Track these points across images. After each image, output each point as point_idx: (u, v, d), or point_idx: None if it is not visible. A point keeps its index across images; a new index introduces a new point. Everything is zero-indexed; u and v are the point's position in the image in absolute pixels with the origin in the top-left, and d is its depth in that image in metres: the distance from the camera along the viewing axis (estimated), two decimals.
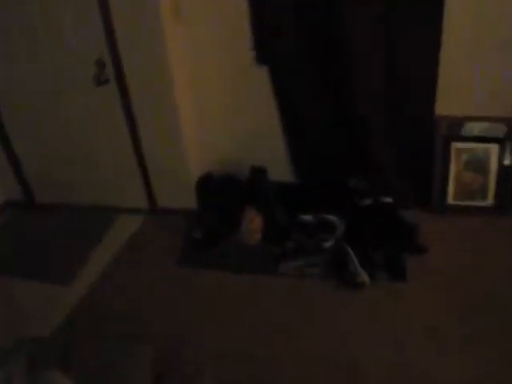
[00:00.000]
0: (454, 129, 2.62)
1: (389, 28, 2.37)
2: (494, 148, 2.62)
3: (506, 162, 2.62)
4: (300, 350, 2.02)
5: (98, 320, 2.26)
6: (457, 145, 2.66)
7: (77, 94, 2.71)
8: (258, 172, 2.77)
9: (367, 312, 2.17)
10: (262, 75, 2.64)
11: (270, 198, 2.75)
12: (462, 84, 2.52)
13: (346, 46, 2.44)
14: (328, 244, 2.54)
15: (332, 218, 2.66)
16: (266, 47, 2.57)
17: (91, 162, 2.97)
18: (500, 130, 2.59)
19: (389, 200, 2.65)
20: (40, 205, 3.27)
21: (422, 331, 2.04)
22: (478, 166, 2.67)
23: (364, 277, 2.28)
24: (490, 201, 2.70)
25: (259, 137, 2.84)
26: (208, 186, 2.84)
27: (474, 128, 2.61)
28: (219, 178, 2.89)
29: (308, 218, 2.69)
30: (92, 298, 2.43)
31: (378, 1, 2.31)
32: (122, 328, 2.18)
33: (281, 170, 2.92)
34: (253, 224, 2.66)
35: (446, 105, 2.56)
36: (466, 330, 2.01)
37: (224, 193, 2.78)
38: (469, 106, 2.57)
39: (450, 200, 2.74)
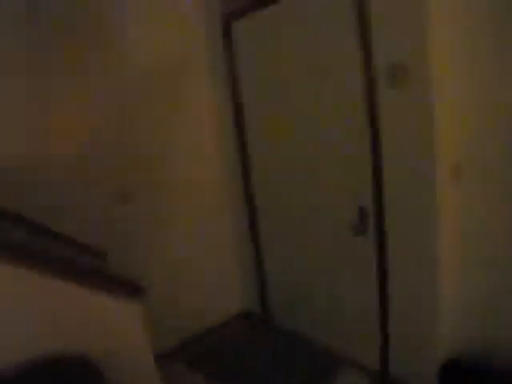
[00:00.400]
0: None
1: None
2: None
3: None
4: None
5: None
6: None
7: (331, 237, 2.67)
8: None
9: None
10: None
11: None
12: None
13: None
14: None
15: None
16: None
17: (333, 304, 2.83)
18: None
19: None
20: (271, 323, 3.26)
21: None
22: None
23: None
24: None
25: None
26: (453, 375, 2.30)
27: None
28: (468, 367, 2.29)
29: None
30: None
31: None
32: None
33: None
34: None
35: None
36: None
37: None
38: None
39: None
